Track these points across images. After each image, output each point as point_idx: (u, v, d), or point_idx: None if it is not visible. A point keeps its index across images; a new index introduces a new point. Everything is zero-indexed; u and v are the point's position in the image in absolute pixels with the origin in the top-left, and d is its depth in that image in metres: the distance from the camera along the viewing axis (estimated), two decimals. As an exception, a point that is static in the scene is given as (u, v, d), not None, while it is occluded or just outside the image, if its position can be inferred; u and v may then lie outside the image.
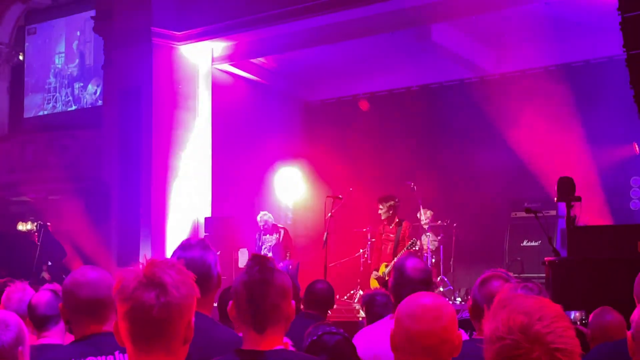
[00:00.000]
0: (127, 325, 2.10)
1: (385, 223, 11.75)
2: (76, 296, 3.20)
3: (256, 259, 2.89)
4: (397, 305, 4.06)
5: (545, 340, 1.73)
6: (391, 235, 11.62)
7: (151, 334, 2.09)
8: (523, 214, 11.85)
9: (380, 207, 11.67)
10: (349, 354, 3.69)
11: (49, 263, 15.26)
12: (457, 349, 2.66)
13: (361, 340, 4.21)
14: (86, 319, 3.17)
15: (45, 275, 15.13)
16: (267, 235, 13.49)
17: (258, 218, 13.61)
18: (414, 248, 11.53)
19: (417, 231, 13.35)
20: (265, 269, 2.85)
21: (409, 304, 2.69)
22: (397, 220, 11.69)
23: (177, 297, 2.10)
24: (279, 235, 13.39)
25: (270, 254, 13.11)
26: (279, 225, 13.77)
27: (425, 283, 4.05)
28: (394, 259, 11.37)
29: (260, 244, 13.52)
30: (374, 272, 11.73)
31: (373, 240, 13.24)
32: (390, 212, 11.64)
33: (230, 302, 2.90)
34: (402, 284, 4.03)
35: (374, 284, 11.70)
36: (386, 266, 11.48)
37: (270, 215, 13.67)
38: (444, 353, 2.62)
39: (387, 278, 11.26)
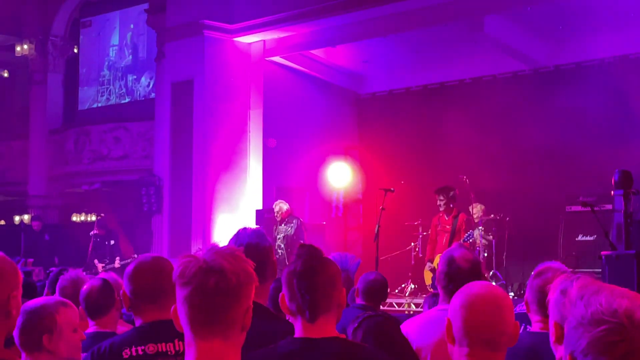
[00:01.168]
0: (186, 310, 2.10)
1: (442, 214, 11.65)
2: (139, 283, 3.22)
3: (304, 248, 2.90)
4: (446, 296, 4.03)
5: None
6: (447, 227, 11.53)
7: (209, 320, 2.08)
8: (578, 208, 11.69)
9: (440, 198, 11.57)
10: (391, 332, 3.68)
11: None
12: (515, 339, 2.61)
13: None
14: (148, 306, 3.18)
15: None
16: (282, 225, 13.29)
17: (274, 206, 13.45)
18: (468, 241, 11.41)
19: (470, 225, 13.24)
20: (314, 258, 2.86)
21: (466, 295, 2.64)
22: (454, 212, 11.59)
23: (235, 283, 2.09)
24: (294, 225, 13.19)
25: (283, 245, 13.01)
26: (294, 215, 13.53)
27: (475, 274, 4.01)
28: None
29: (275, 234, 13.30)
30: (428, 264, 11.62)
31: (425, 233, 13.14)
32: (450, 203, 11.55)
33: (281, 293, 2.89)
34: (451, 275, 4.00)
35: (427, 275, 11.61)
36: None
37: (284, 203, 13.46)
38: (502, 344, 2.58)
39: None
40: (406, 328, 4.05)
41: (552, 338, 2.81)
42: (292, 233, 13.04)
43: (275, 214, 13.30)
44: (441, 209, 11.62)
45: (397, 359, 3.36)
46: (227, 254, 2.13)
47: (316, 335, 2.82)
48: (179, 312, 2.13)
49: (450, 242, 11.41)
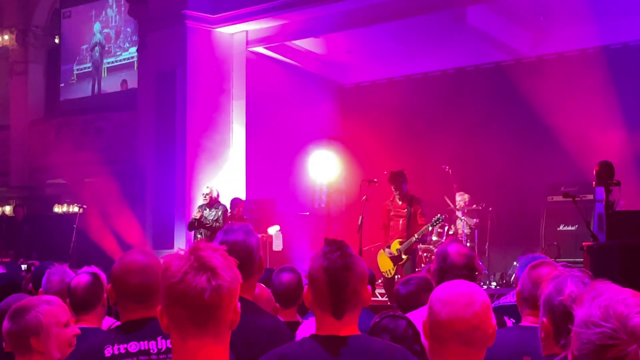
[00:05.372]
0: (177, 310, 2.07)
1: (393, 198, 11.54)
2: (126, 280, 3.16)
3: (334, 244, 2.87)
4: None
5: None
6: (402, 211, 11.39)
7: (202, 319, 2.06)
8: (559, 198, 11.74)
9: (392, 188, 11.45)
10: (411, 339, 3.68)
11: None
12: (491, 338, 2.64)
13: None
14: (134, 304, 3.13)
15: None
16: (207, 210, 13.14)
17: (206, 188, 13.33)
18: (438, 224, 11.35)
19: (452, 215, 13.27)
20: (346, 255, 2.83)
21: (441, 290, 2.70)
22: (408, 195, 11.46)
23: (227, 280, 2.08)
24: (219, 212, 13.07)
25: (199, 236, 12.92)
26: (220, 202, 13.41)
27: (469, 268, 4.02)
28: (407, 235, 11.19)
29: (198, 216, 13.16)
30: (386, 250, 11.46)
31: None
32: (402, 188, 11.40)
33: (306, 287, 2.89)
34: (446, 270, 4.01)
35: (384, 261, 11.47)
36: (400, 243, 11.28)
37: (215, 189, 13.40)
38: (477, 340, 2.60)
39: (403, 256, 11.14)
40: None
41: (540, 334, 2.83)
42: (221, 223, 12.91)
43: (205, 197, 13.21)
44: (397, 197, 11.47)
45: None
46: (213, 252, 2.12)
47: (342, 333, 2.80)
48: (168, 313, 2.09)
49: (407, 226, 11.29)
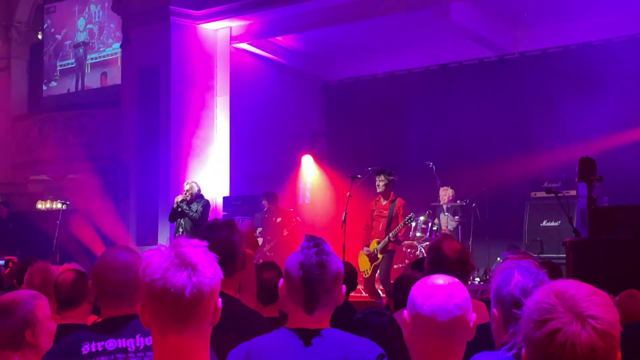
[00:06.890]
0: (158, 306, 2.06)
1: (378, 199, 11.54)
2: (107, 277, 3.14)
3: (313, 241, 2.89)
4: None
5: (580, 306, 1.70)
6: (384, 212, 11.37)
7: (183, 316, 2.06)
8: (542, 194, 11.77)
9: (379, 179, 11.42)
10: (393, 335, 3.70)
11: None
12: (472, 331, 2.65)
13: None
14: (114, 301, 3.12)
15: None
16: (187, 205, 12.87)
17: (185, 184, 13.08)
18: (410, 223, 11.36)
19: (436, 211, 13.30)
20: (322, 252, 2.85)
21: (421, 284, 2.70)
22: (392, 197, 11.47)
23: (208, 277, 2.08)
24: (200, 207, 12.83)
25: (184, 224, 12.83)
26: (202, 197, 13.15)
27: (461, 263, 4.05)
28: (386, 236, 11.20)
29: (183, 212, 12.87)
30: (365, 248, 11.47)
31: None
32: (388, 187, 11.38)
33: (281, 280, 2.91)
34: (438, 264, 4.04)
35: (363, 260, 11.48)
36: (378, 242, 11.28)
37: (196, 184, 13.07)
38: (458, 333, 2.61)
39: (379, 255, 11.15)
40: None
41: (492, 325, 2.87)
42: (199, 217, 12.76)
43: (185, 193, 13.07)
44: (379, 189, 11.42)
45: None
46: (193, 248, 2.12)
47: (313, 327, 2.84)
48: (148, 309, 2.10)
49: (387, 228, 11.28)
